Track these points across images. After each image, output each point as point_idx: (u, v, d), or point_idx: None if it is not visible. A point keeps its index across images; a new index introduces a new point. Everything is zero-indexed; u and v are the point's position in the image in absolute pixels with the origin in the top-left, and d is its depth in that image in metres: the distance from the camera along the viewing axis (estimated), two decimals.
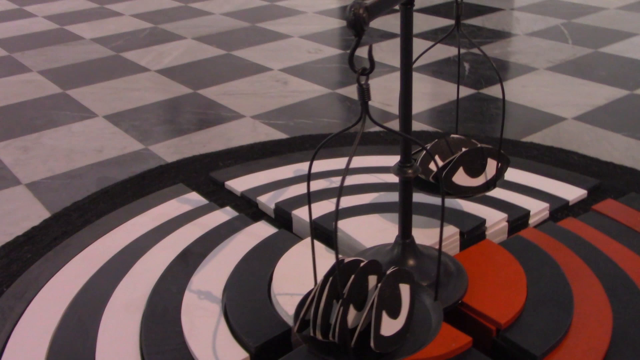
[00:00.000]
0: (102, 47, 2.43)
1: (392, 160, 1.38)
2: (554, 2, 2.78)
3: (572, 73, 1.93)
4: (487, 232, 1.11)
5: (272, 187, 1.29)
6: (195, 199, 1.28)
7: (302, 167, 1.38)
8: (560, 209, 1.21)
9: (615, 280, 0.95)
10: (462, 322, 0.89)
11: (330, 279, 0.69)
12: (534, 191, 1.24)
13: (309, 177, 0.66)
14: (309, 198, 0.66)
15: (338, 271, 0.62)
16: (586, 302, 0.90)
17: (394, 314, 0.70)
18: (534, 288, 0.93)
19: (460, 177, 0.98)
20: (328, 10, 2.81)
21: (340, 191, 0.59)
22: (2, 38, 2.61)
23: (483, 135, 1.54)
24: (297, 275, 0.98)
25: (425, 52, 0.96)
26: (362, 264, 0.71)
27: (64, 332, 0.93)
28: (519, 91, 1.81)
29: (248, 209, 1.25)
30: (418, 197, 1.19)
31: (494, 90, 1.82)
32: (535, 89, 1.82)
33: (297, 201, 1.22)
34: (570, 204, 1.23)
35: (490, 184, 1.01)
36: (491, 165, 1.01)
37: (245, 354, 0.85)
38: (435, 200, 1.19)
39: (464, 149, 1.00)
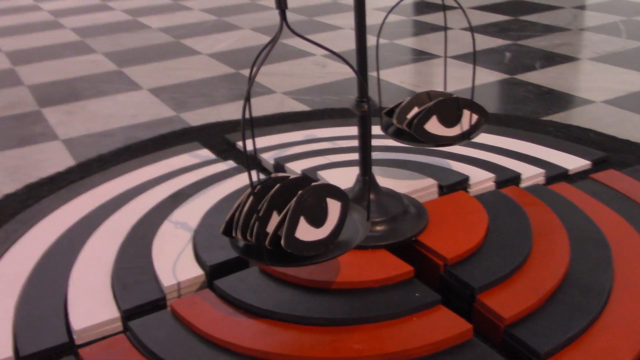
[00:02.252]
0: (165, 34, 2.58)
1: None
2: (618, 1, 2.69)
3: (616, 63, 1.87)
4: (471, 190, 1.11)
5: (277, 147, 1.34)
6: (204, 154, 1.35)
7: (311, 133, 1.42)
8: (557, 177, 1.19)
9: (584, 235, 0.94)
10: (414, 259, 0.90)
11: (258, 187, 0.74)
12: (533, 159, 1.23)
13: (248, 95, 0.70)
14: (244, 118, 0.71)
15: (249, 164, 0.66)
16: (545, 250, 0.89)
17: (316, 223, 0.73)
18: (494, 234, 0.92)
19: (434, 126, 1.00)
20: (385, 7, 2.85)
21: (247, 95, 0.64)
22: (79, 27, 2.81)
23: (503, 113, 1.53)
24: None
25: (393, 9, 0.99)
26: (292, 177, 0.75)
27: (53, 250, 1.02)
28: (553, 77, 1.78)
29: (252, 165, 1.30)
30: (407, 155, 1.21)
31: (527, 76, 1.80)
32: (572, 76, 1.79)
33: (294, 157, 1.26)
34: (570, 172, 1.20)
35: (466, 135, 1.01)
36: (469, 118, 1.02)
37: (200, 272, 0.90)
38: (422, 158, 1.20)
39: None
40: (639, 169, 1.18)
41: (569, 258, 0.88)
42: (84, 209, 1.14)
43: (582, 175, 1.19)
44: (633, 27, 2.26)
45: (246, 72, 2.01)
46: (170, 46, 2.39)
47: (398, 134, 1.04)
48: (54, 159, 1.43)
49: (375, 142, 1.31)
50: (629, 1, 2.66)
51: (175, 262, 0.92)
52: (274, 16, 2.80)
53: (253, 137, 0.79)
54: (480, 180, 1.12)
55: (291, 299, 0.81)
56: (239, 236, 0.72)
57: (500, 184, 1.14)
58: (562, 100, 1.61)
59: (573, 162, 1.22)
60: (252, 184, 0.68)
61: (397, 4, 1.01)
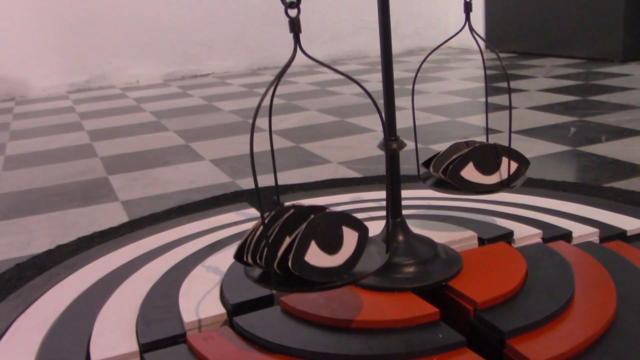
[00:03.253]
0: (234, 115, 2.68)
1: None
2: None
3: None
4: (515, 245, 1.06)
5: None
6: (251, 212, 1.36)
7: (358, 195, 1.41)
8: (614, 237, 1.11)
9: (636, 289, 0.86)
10: (444, 305, 0.85)
11: (272, 213, 0.73)
12: (587, 220, 1.16)
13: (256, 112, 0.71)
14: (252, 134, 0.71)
15: (258, 190, 0.65)
16: (588, 300, 0.83)
17: (329, 250, 0.71)
18: (533, 282, 0.87)
19: (471, 173, 0.97)
20: (455, 91, 2.87)
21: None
22: (157, 110, 2.98)
23: (560, 180, 1.47)
24: None
25: (435, 50, 0.99)
26: (309, 205, 0.74)
27: (89, 291, 1.03)
28: (620, 149, 1.71)
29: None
30: (448, 212, 1.17)
31: (591, 148, 1.74)
32: (638, 147, 1.71)
33: None
34: (628, 233, 1.13)
35: (505, 183, 0.97)
36: (511, 167, 0.99)
37: (222, 310, 0.88)
38: (464, 214, 1.16)
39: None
40: None
41: (615, 309, 0.81)
42: (127, 256, 1.16)
43: None
44: None
45: (306, 145, 2.04)
46: (237, 125, 2.48)
47: (437, 186, 1.02)
48: (109, 217, 1.48)
49: (415, 202, 1.29)
50: None
51: (200, 301, 0.91)
52: (341, 100, 2.87)
53: (275, 171, 0.79)
54: (526, 235, 1.07)
55: (308, 336, 0.77)
56: (249, 260, 0.71)
57: (547, 240, 1.07)
58: (627, 168, 1.54)
59: (632, 224, 1.15)
60: (261, 209, 0.67)
61: (437, 47, 1.01)
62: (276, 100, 2.99)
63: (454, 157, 0.98)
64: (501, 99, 2.57)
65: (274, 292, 0.90)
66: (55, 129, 2.70)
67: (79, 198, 1.66)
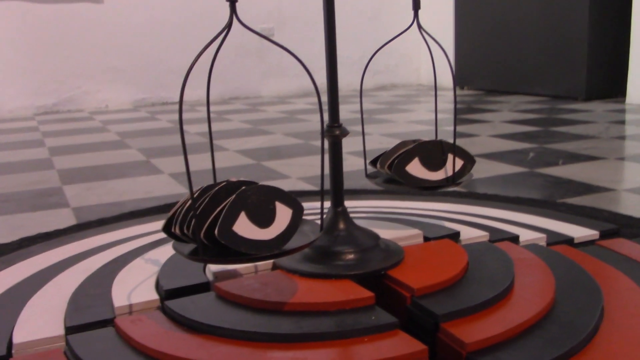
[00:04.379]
0: (200, 137, 2.67)
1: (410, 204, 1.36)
2: None
3: None
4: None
5: None
6: None
7: (313, 204, 1.39)
8: (560, 243, 1.11)
9: (575, 281, 0.86)
10: (383, 294, 0.84)
11: (203, 187, 0.71)
12: (536, 228, 1.16)
13: (180, 104, 0.69)
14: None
15: (187, 163, 0.64)
16: (526, 289, 0.82)
17: (260, 223, 0.69)
18: (474, 273, 0.86)
19: (417, 169, 0.96)
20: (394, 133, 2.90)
21: (208, 91, 0.63)
22: (123, 131, 2.95)
23: (514, 196, 1.48)
24: None
25: (384, 46, 0.99)
26: (242, 180, 0.73)
27: (23, 283, 0.99)
28: (575, 172, 1.72)
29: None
30: (397, 217, 1.16)
31: (548, 170, 1.75)
32: (596, 170, 1.73)
33: None
34: (576, 241, 1.13)
35: (451, 179, 0.97)
36: (456, 163, 0.98)
37: (155, 296, 0.85)
38: (413, 218, 1.16)
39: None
40: None
41: (553, 299, 0.80)
42: (68, 253, 1.13)
43: (588, 244, 1.12)
44: None
45: (268, 163, 2.03)
46: (201, 145, 2.46)
47: (385, 183, 1.01)
48: (57, 221, 1.44)
49: (366, 209, 1.28)
50: None
51: (134, 288, 0.88)
52: (307, 125, 2.88)
53: (212, 151, 0.78)
54: (472, 237, 1.06)
55: (238, 317, 0.75)
56: (177, 230, 0.69)
57: (493, 242, 1.07)
58: (581, 187, 1.55)
59: (579, 232, 1.15)
60: (189, 181, 0.66)
61: (381, 47, 1.01)
62: (242, 125, 2.99)
63: (400, 152, 0.97)
64: (468, 128, 2.60)
65: (210, 279, 0.88)
66: (15, 145, 2.66)
67: (28, 204, 1.62)
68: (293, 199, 0.73)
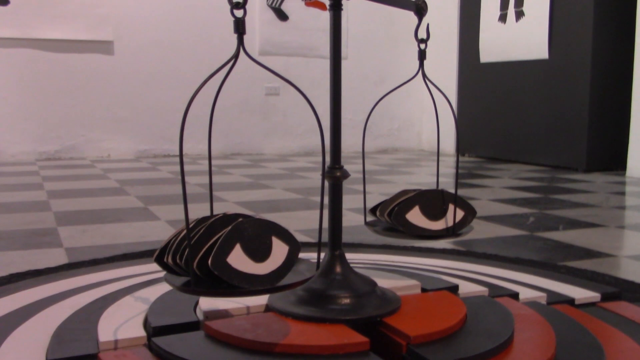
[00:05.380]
0: (200, 188, 2.66)
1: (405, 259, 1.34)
2: None
3: None
4: None
5: None
6: None
7: (308, 255, 1.37)
8: (562, 303, 1.08)
9: (576, 339, 0.83)
10: (379, 342, 0.81)
11: (199, 218, 0.70)
12: (537, 287, 1.14)
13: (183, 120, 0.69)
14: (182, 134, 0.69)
15: (185, 194, 0.63)
16: (526, 344, 0.79)
17: (255, 257, 0.67)
18: (472, 324, 0.83)
19: (417, 217, 0.95)
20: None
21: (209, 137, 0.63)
22: (123, 179, 2.95)
23: (514, 256, 1.46)
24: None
25: (389, 93, 1.00)
26: (239, 213, 0.71)
27: (6, 317, 0.96)
28: (575, 237, 1.71)
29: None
30: (398, 269, 1.14)
31: (548, 234, 1.74)
32: (596, 237, 1.71)
33: None
34: (577, 302, 1.10)
35: (451, 230, 0.96)
36: (457, 214, 0.97)
37: (143, 333, 0.82)
38: (413, 271, 1.13)
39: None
40: None
41: (554, 354, 0.77)
42: (57, 289, 1.10)
43: (589, 305, 1.09)
44: None
45: (266, 215, 2.02)
46: (201, 195, 2.45)
47: (384, 231, 1.00)
48: (49, 260, 1.42)
49: (365, 262, 1.26)
50: None
51: (121, 325, 0.86)
52: (308, 182, 2.88)
53: (210, 167, 0.76)
54: (471, 291, 1.03)
55: (227, 357, 0.72)
56: (169, 260, 0.67)
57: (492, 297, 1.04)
58: (581, 252, 1.53)
59: (580, 293, 1.12)
60: (186, 210, 0.64)
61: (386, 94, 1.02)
62: (243, 179, 2.99)
63: (400, 199, 0.96)
64: (468, 192, 2.59)
65: (200, 318, 0.85)
66: (14, 187, 2.65)
67: (21, 243, 1.59)
68: (290, 236, 0.71)
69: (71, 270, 1.27)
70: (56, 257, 1.45)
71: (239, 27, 0.68)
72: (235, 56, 0.67)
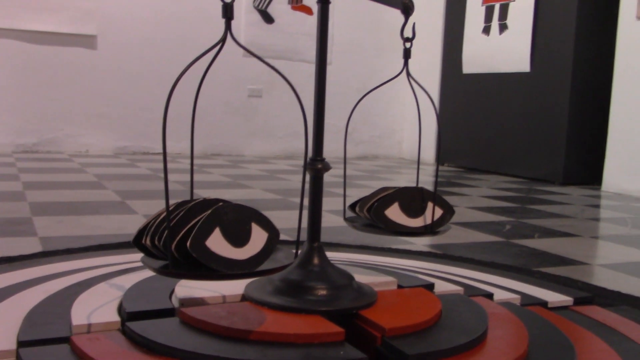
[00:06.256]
0: (179, 185, 2.65)
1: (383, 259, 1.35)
2: (629, 204, 2.70)
3: (618, 242, 1.82)
4: None
5: None
6: None
7: None
8: (535, 305, 1.09)
9: (549, 339, 0.84)
10: (353, 335, 0.81)
11: (179, 202, 0.70)
12: (510, 290, 1.15)
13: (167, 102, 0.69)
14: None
15: (166, 176, 0.63)
16: (499, 340, 0.80)
17: (234, 242, 0.67)
18: (447, 319, 0.83)
19: (396, 214, 0.95)
20: None
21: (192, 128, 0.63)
22: (101, 174, 2.92)
23: (489, 261, 1.47)
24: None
25: (374, 89, 1.00)
26: (220, 198, 0.71)
27: None
28: (550, 245, 1.73)
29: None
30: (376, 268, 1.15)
31: (524, 242, 1.76)
32: (570, 246, 1.73)
33: None
34: (550, 305, 1.11)
35: (430, 228, 0.96)
36: (436, 212, 0.98)
37: (117, 318, 0.82)
38: (390, 269, 1.14)
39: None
40: (625, 309, 1.09)
41: (526, 351, 0.78)
42: (30, 275, 1.09)
43: (562, 309, 1.10)
44: None
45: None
46: (179, 192, 2.44)
47: (364, 227, 1.00)
48: (23, 248, 1.40)
49: (342, 255, 1.26)
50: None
51: (95, 309, 0.85)
52: (287, 184, 2.88)
53: (192, 162, 0.76)
54: (446, 290, 1.04)
55: (201, 342, 0.72)
56: (148, 242, 0.67)
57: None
58: (555, 259, 1.55)
59: (554, 297, 1.14)
60: (166, 192, 0.64)
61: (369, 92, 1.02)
62: (222, 179, 2.98)
63: (380, 196, 0.97)
64: (446, 199, 2.61)
65: (176, 305, 0.85)
66: None
67: None
68: (270, 223, 0.71)
69: (45, 257, 1.26)
70: (31, 246, 1.43)
71: (227, 11, 0.68)
72: (222, 40, 0.67)
